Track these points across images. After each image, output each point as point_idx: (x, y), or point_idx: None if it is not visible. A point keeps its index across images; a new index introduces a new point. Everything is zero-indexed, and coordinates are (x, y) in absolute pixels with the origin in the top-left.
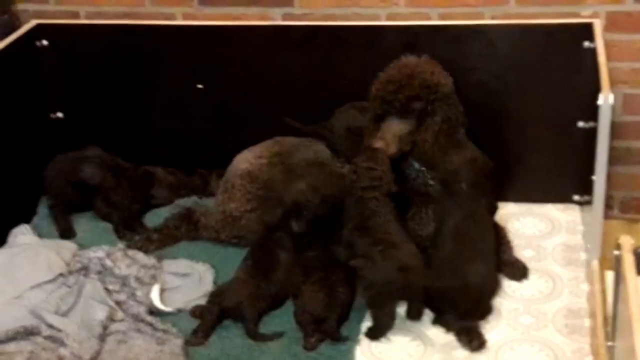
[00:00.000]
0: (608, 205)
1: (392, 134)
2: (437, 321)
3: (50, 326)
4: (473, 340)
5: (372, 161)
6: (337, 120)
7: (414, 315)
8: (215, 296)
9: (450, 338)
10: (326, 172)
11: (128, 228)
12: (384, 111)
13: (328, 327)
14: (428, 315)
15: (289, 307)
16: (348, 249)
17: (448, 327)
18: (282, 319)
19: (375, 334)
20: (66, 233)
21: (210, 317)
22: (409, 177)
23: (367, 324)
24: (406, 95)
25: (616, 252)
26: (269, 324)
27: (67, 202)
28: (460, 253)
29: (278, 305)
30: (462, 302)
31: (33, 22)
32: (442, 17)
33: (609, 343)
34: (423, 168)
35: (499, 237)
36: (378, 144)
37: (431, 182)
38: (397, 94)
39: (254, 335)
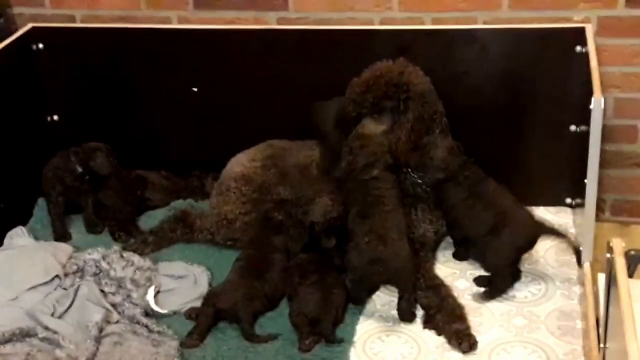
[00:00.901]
0: (600, 208)
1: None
2: (427, 324)
3: (46, 328)
4: (463, 342)
5: (364, 140)
6: (326, 114)
7: (403, 313)
8: (209, 298)
9: (444, 340)
10: (315, 175)
11: (122, 230)
12: (357, 113)
13: (323, 328)
14: (421, 317)
15: (284, 308)
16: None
17: (438, 330)
18: (277, 321)
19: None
20: (61, 238)
21: (206, 319)
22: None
23: (362, 325)
24: (373, 95)
25: (608, 255)
26: (264, 326)
27: (67, 196)
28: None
29: (273, 305)
30: None
31: (29, 26)
32: (435, 22)
33: (601, 345)
34: (410, 170)
35: None
36: (365, 129)
37: (419, 181)
38: (365, 94)
39: (250, 336)
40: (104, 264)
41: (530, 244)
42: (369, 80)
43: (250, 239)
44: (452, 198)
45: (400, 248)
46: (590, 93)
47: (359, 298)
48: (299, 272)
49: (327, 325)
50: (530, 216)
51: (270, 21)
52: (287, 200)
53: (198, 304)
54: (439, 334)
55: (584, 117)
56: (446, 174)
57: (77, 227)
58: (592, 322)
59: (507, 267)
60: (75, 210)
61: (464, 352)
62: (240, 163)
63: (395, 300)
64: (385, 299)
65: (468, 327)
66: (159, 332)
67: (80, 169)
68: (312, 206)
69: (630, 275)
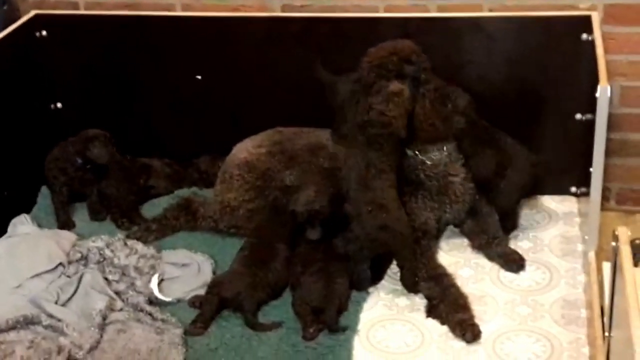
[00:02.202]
0: (605, 197)
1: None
2: (430, 314)
3: (50, 316)
4: (466, 332)
5: (387, 104)
6: (342, 83)
7: (407, 283)
8: (213, 286)
9: (447, 329)
10: (325, 156)
11: (125, 218)
12: (376, 79)
13: (326, 317)
14: (425, 307)
15: (288, 297)
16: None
17: (441, 320)
18: (281, 310)
19: (355, 287)
20: (65, 226)
21: (210, 307)
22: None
23: (365, 314)
24: (400, 57)
25: (613, 244)
26: (268, 314)
27: (71, 186)
28: None
29: (276, 295)
30: None
31: (32, 13)
32: (440, 9)
33: (606, 334)
34: (417, 152)
35: (493, 230)
36: (395, 87)
37: (427, 162)
38: (390, 57)
39: (253, 325)
40: (107, 252)
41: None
42: (392, 47)
43: (255, 228)
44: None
45: (401, 215)
46: (596, 81)
47: (360, 282)
48: (301, 261)
49: (330, 314)
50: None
51: (274, 9)
52: (292, 187)
53: (202, 292)
54: (443, 324)
55: (590, 105)
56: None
57: (80, 215)
58: (597, 311)
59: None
60: (79, 198)
61: (468, 342)
62: (245, 149)
63: (399, 288)
64: (388, 287)
65: (472, 317)
66: (162, 320)
67: (79, 160)
68: (295, 195)
69: (636, 264)
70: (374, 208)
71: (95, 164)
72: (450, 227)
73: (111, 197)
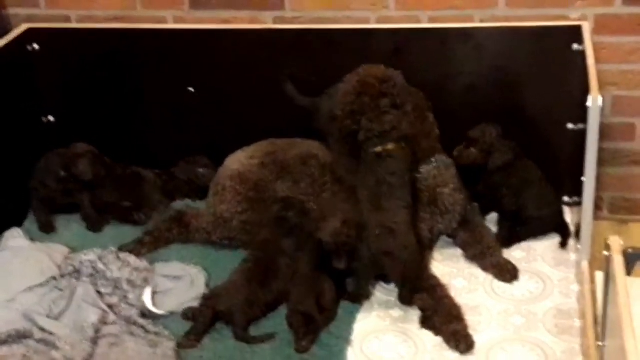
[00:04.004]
0: (597, 206)
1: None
2: (424, 325)
3: (43, 329)
4: (460, 343)
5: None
6: (324, 102)
7: (403, 299)
8: (209, 299)
9: (441, 339)
10: (316, 165)
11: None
12: (356, 124)
13: (325, 308)
14: (419, 318)
15: (282, 308)
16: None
17: (435, 331)
18: (274, 321)
19: (352, 299)
20: (45, 227)
21: (203, 319)
22: None
23: (358, 325)
24: (369, 96)
25: (606, 253)
26: (261, 326)
27: (52, 199)
28: None
29: (271, 311)
30: None
31: (24, 27)
32: (431, 20)
33: (599, 343)
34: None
35: (486, 241)
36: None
37: (416, 175)
38: (362, 99)
39: (243, 339)
40: (100, 265)
41: None
42: (358, 87)
43: (261, 241)
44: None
45: (408, 241)
46: (587, 91)
47: (358, 296)
48: (292, 271)
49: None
50: None
51: (266, 20)
52: (291, 197)
53: (195, 304)
54: (437, 335)
55: (582, 115)
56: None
57: (73, 228)
58: (590, 320)
59: None
60: (70, 210)
61: (462, 353)
62: (237, 161)
63: (392, 299)
64: (382, 298)
65: (465, 328)
66: (155, 333)
67: (63, 173)
68: (323, 224)
69: (629, 273)
70: (382, 232)
71: (78, 180)
72: (444, 237)
73: (108, 204)
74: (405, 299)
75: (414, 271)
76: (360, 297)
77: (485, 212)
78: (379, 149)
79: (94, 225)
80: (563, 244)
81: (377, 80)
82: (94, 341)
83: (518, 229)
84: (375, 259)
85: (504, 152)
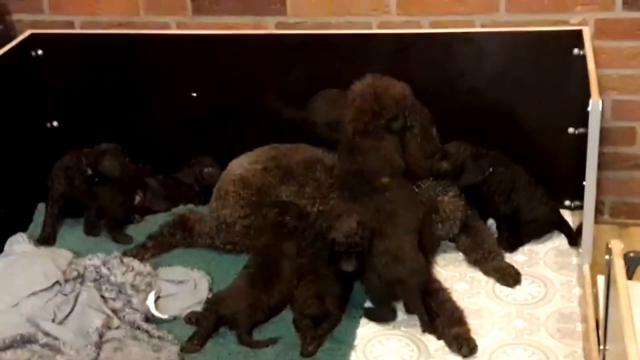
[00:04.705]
0: (598, 210)
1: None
2: (426, 328)
3: (47, 334)
4: (462, 347)
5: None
6: (315, 116)
7: (426, 327)
8: (213, 303)
9: (444, 343)
10: (321, 169)
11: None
12: (364, 140)
13: (329, 325)
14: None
15: (285, 312)
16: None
17: (438, 334)
18: (278, 325)
19: (372, 317)
20: (46, 241)
21: (207, 324)
22: None
23: (362, 329)
24: (387, 118)
25: (607, 257)
26: (265, 330)
27: (71, 197)
28: None
29: (275, 315)
30: None
31: (28, 32)
32: (433, 25)
33: (601, 347)
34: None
35: (488, 245)
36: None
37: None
38: (376, 119)
39: (247, 343)
40: (104, 270)
41: None
42: (373, 104)
43: (262, 246)
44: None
45: (417, 265)
46: (588, 95)
47: (384, 319)
48: (298, 274)
49: (331, 312)
50: None
51: (268, 26)
52: (290, 202)
53: (198, 308)
54: (439, 338)
55: (582, 119)
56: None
57: (77, 233)
58: (592, 324)
59: None
60: (73, 214)
61: (464, 356)
62: (240, 165)
63: (395, 304)
64: None
65: (468, 331)
66: (159, 338)
67: (90, 172)
68: (337, 223)
69: (630, 277)
70: (389, 260)
71: (105, 177)
72: (446, 241)
73: (106, 208)
74: (428, 327)
75: (423, 288)
76: (385, 319)
77: (482, 218)
78: (375, 183)
79: (92, 229)
80: (571, 242)
81: (393, 102)
82: (98, 346)
83: (519, 232)
84: (388, 287)
85: (474, 174)
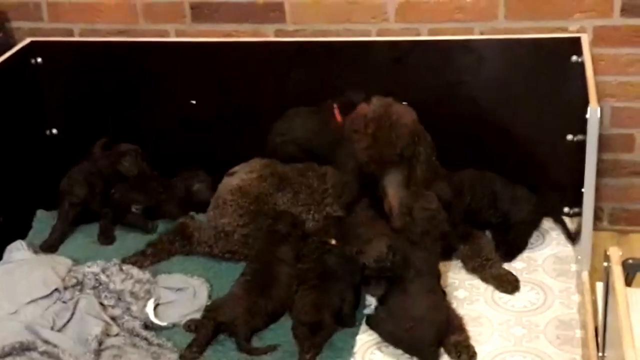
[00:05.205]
0: (597, 217)
1: (400, 188)
2: None
3: (46, 341)
4: (462, 354)
5: (426, 201)
6: (289, 135)
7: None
8: (210, 311)
9: (443, 351)
10: (313, 176)
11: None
12: (379, 168)
13: (325, 334)
14: None
15: (284, 320)
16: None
17: None
18: (277, 332)
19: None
20: (49, 248)
21: (205, 331)
22: None
23: (362, 336)
24: (401, 148)
25: (605, 264)
26: (264, 337)
27: (87, 204)
28: None
29: (274, 321)
30: None
31: (27, 40)
32: (431, 33)
33: (600, 354)
34: None
35: (486, 252)
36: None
37: None
38: (391, 148)
39: (246, 350)
40: (103, 277)
41: None
42: (389, 136)
43: (256, 253)
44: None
45: (442, 323)
46: (586, 102)
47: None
48: (298, 281)
49: (327, 322)
50: None
51: (268, 33)
52: (283, 211)
53: (197, 316)
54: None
55: (581, 126)
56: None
57: (77, 240)
58: (591, 331)
59: None
60: (80, 220)
61: None
62: (236, 176)
63: None
64: None
65: (467, 338)
66: (158, 345)
67: (108, 172)
68: (367, 247)
69: (629, 283)
70: (415, 325)
71: (124, 178)
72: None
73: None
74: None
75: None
76: None
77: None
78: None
79: (106, 237)
80: (569, 237)
81: (407, 133)
82: (97, 353)
83: (512, 239)
84: (404, 345)
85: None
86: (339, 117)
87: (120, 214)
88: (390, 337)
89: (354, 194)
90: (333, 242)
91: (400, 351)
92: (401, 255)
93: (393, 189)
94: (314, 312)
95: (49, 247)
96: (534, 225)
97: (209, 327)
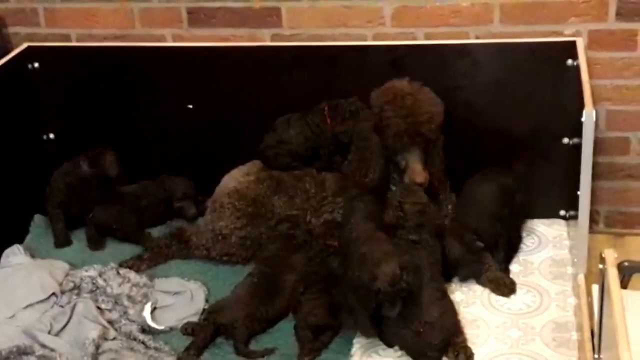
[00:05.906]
0: (593, 220)
1: (423, 166)
2: None
3: (43, 346)
4: (459, 355)
5: (416, 196)
6: (290, 143)
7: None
8: (211, 312)
9: None
10: (310, 181)
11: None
12: (401, 148)
13: (326, 338)
14: None
15: (282, 323)
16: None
17: None
18: (274, 336)
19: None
20: (63, 244)
21: (204, 334)
22: None
23: (359, 339)
24: (425, 129)
25: (601, 266)
26: (261, 340)
27: (69, 206)
28: None
29: (271, 327)
30: None
31: (24, 45)
32: (427, 37)
33: (596, 356)
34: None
35: (482, 259)
36: (420, 178)
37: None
38: (416, 127)
39: (244, 353)
40: (100, 281)
41: None
42: (416, 114)
43: (269, 256)
44: None
45: (454, 327)
46: (582, 106)
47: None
48: (303, 284)
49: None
50: None
51: (264, 38)
52: (294, 215)
53: (195, 319)
54: None
55: (577, 129)
56: None
57: (73, 245)
58: (587, 333)
59: None
60: (69, 225)
61: None
62: (233, 178)
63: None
64: None
65: (464, 340)
66: (155, 349)
67: (89, 171)
68: (378, 270)
69: (624, 286)
70: (425, 329)
71: (104, 177)
72: None
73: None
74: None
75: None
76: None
77: None
78: (416, 237)
79: (95, 243)
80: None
81: (431, 115)
82: (95, 357)
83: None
84: (418, 351)
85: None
86: (328, 121)
87: (104, 234)
88: (396, 337)
89: (382, 170)
90: (336, 244)
91: (399, 352)
92: (413, 271)
93: (417, 163)
94: (325, 316)
95: (62, 243)
96: (519, 242)
97: (207, 330)
